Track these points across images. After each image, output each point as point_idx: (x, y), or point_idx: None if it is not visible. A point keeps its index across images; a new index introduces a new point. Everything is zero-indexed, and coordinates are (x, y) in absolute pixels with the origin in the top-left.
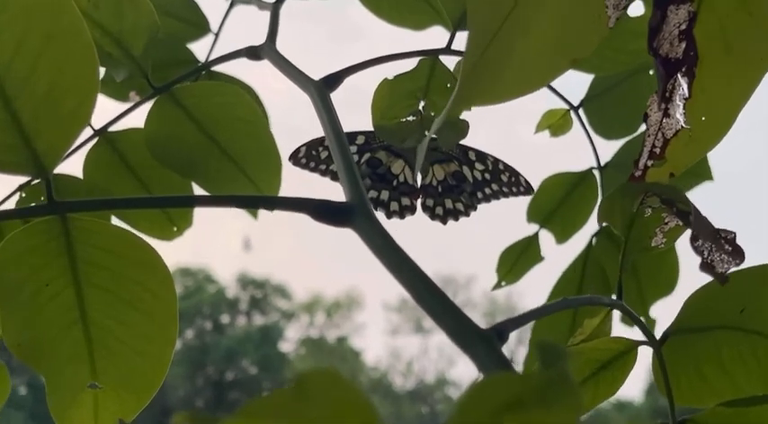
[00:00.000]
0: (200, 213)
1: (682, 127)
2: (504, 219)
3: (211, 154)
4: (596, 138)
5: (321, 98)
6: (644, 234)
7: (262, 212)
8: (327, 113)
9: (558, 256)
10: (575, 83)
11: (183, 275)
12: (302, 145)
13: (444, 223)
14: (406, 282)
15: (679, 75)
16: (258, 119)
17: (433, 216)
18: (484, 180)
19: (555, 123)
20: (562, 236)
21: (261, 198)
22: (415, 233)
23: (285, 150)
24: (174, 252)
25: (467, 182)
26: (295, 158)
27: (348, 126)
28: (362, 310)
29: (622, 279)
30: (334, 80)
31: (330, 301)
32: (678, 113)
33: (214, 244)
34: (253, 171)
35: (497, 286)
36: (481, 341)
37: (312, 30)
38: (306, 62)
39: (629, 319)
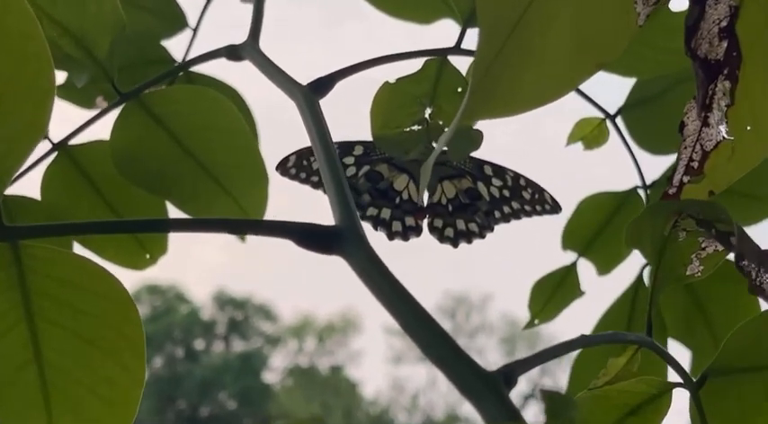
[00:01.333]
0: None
1: (723, 138)
2: (525, 230)
3: (187, 170)
4: (641, 153)
5: (309, 105)
6: (678, 262)
7: None
8: (316, 123)
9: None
10: (610, 89)
11: (151, 293)
12: (292, 154)
13: (455, 246)
14: (401, 318)
15: (720, 79)
16: (241, 129)
17: (442, 239)
18: (502, 197)
19: (589, 134)
20: (605, 267)
21: (237, 223)
22: (421, 244)
23: (276, 157)
24: None
25: (482, 200)
26: (283, 168)
27: (345, 132)
28: (360, 334)
29: (652, 313)
30: (323, 85)
31: (322, 324)
32: (719, 122)
33: (187, 257)
34: (235, 188)
35: (530, 325)
36: (485, 386)
37: (305, 15)
38: (297, 52)
39: (662, 358)
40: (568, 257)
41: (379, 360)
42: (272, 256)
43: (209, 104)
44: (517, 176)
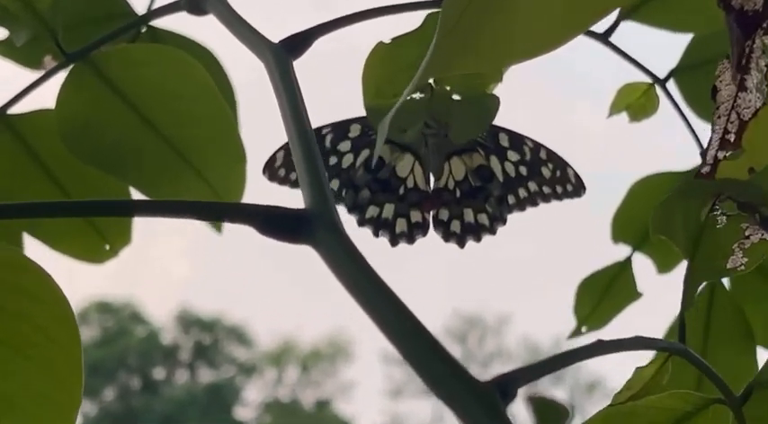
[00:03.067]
0: None
1: (764, 103)
2: (551, 237)
3: (149, 146)
4: (700, 123)
5: (279, 66)
6: (716, 253)
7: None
8: (287, 88)
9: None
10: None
11: (101, 311)
12: (279, 150)
13: (462, 244)
14: (378, 316)
15: (759, 34)
16: (214, 98)
17: (448, 236)
18: (518, 176)
19: (635, 102)
20: (666, 263)
21: (181, 205)
22: (426, 253)
23: (264, 142)
24: (87, 279)
25: (494, 181)
26: (271, 169)
27: (335, 111)
28: (352, 362)
29: (684, 316)
30: (298, 43)
31: (307, 349)
32: (759, 85)
33: (144, 268)
34: (207, 168)
35: (576, 333)
36: (478, 400)
37: None
38: (280, 18)
39: (698, 369)
40: (621, 251)
41: (374, 393)
42: (246, 267)
43: (175, 67)
44: (537, 147)
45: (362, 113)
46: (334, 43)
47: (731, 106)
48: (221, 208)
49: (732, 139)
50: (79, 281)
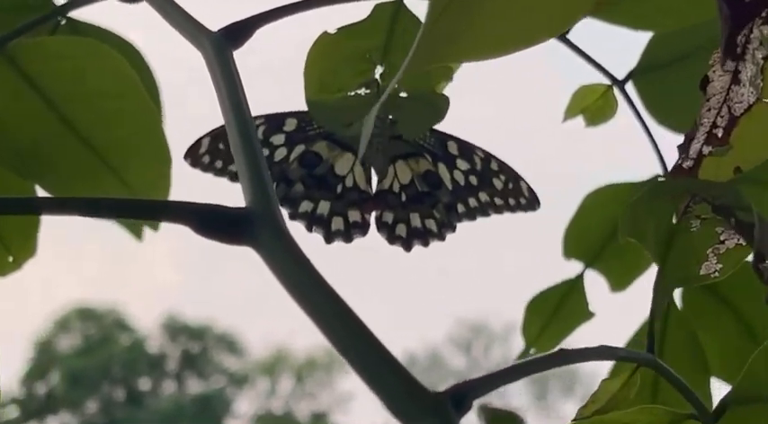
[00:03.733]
0: (108, 224)
1: (758, 99)
2: (555, 237)
3: (67, 147)
4: (660, 131)
5: (218, 56)
6: (689, 258)
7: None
8: (226, 78)
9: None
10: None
11: (83, 318)
12: (204, 136)
13: (408, 248)
14: (324, 325)
15: (756, 23)
16: (135, 93)
17: (392, 238)
18: (468, 186)
19: (591, 105)
20: (620, 280)
21: (114, 204)
22: (427, 259)
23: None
24: (67, 284)
25: (443, 188)
26: (194, 156)
27: (269, 105)
28: (350, 372)
29: (653, 325)
30: (238, 31)
31: (301, 358)
32: (753, 80)
33: (129, 273)
34: (129, 170)
35: (524, 355)
36: (430, 412)
37: None
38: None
39: (669, 382)
40: (572, 268)
41: (372, 406)
42: (237, 271)
43: (97, 61)
44: (488, 157)
45: (302, 108)
46: (277, 33)
47: (723, 99)
48: (151, 207)
49: (720, 134)
50: (59, 286)
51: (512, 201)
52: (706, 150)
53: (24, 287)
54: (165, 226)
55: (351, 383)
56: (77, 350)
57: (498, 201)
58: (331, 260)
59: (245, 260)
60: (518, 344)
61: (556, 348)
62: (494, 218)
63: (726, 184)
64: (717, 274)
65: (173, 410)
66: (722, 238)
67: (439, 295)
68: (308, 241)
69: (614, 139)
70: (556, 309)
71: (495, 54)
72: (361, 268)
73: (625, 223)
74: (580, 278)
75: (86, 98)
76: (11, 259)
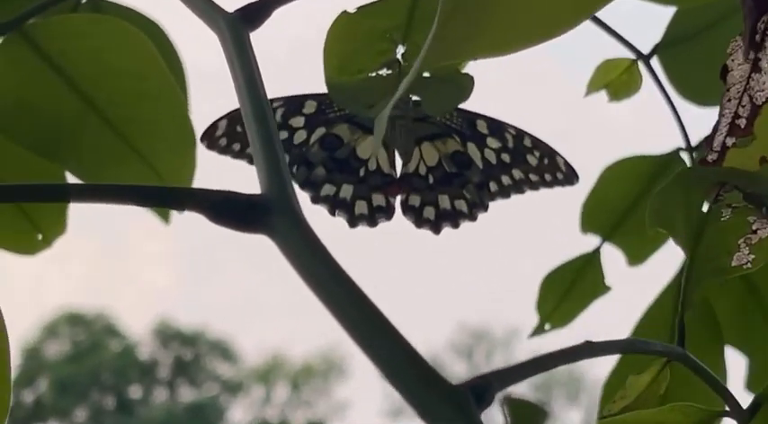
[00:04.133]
0: (98, 224)
1: None
2: (567, 238)
3: (89, 128)
4: (684, 104)
5: (234, 38)
6: (720, 249)
7: (196, 226)
8: (242, 61)
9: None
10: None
11: (72, 323)
12: (221, 118)
13: (437, 231)
14: (341, 314)
15: None
16: (160, 75)
17: (420, 222)
18: (500, 163)
19: (615, 80)
20: (637, 254)
21: (121, 189)
22: (424, 253)
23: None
24: (56, 288)
25: (473, 168)
26: (210, 138)
27: (288, 87)
28: (347, 380)
29: (684, 317)
30: (256, 12)
31: (297, 365)
32: None
33: (120, 276)
34: (153, 152)
35: (539, 330)
36: (448, 404)
37: None
38: None
39: (699, 376)
40: (590, 242)
41: (371, 414)
42: (231, 275)
43: (119, 40)
44: (521, 134)
45: (321, 90)
46: (295, 13)
47: (743, 88)
48: (167, 194)
49: (743, 125)
50: (48, 290)
51: (548, 177)
52: (729, 141)
53: (11, 291)
54: (156, 226)
55: (348, 390)
56: (66, 357)
57: (534, 177)
58: None
59: (240, 263)
60: (521, 351)
61: (582, 341)
62: (496, 217)
63: (758, 172)
64: (749, 265)
65: (164, 419)
66: (754, 227)
67: (439, 298)
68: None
69: (635, 115)
70: (572, 284)
71: (514, 48)
72: (355, 269)
73: (653, 212)
74: (597, 251)
75: (109, 79)
76: (40, 237)
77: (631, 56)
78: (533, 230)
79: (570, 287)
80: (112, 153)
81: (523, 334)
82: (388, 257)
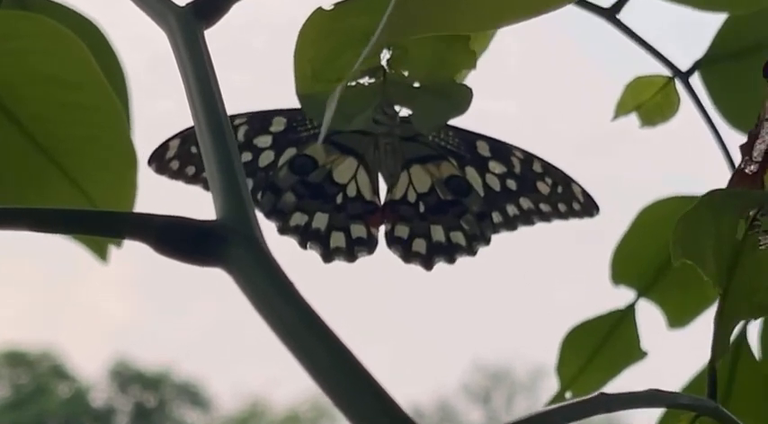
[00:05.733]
0: (43, 244)
1: None
2: (598, 262)
3: (10, 145)
4: (731, 132)
5: (186, 36)
6: (757, 282)
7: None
8: (194, 62)
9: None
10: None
11: (13, 364)
12: (173, 138)
13: (428, 267)
14: (311, 364)
15: None
16: (95, 84)
17: (408, 256)
18: (505, 190)
19: (648, 101)
20: (679, 314)
21: (36, 214)
22: (435, 287)
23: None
24: None
25: (473, 195)
26: (160, 161)
27: (249, 101)
28: None
29: (714, 367)
30: (211, 6)
31: (281, 413)
32: None
33: (69, 308)
34: (83, 173)
35: (558, 398)
36: None
37: None
38: None
39: None
40: (623, 296)
41: None
42: (202, 306)
43: (47, 43)
44: (529, 158)
45: (291, 104)
46: (259, 9)
47: None
48: (97, 219)
49: None
50: None
51: (562, 207)
52: None
53: None
54: (116, 252)
55: None
56: (5, 403)
57: (545, 208)
58: (314, 286)
59: (212, 291)
60: (547, 393)
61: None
62: (518, 239)
63: None
64: None
65: None
66: None
67: (451, 334)
68: (292, 259)
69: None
70: (600, 345)
71: (499, 23)
72: (355, 299)
73: (678, 240)
74: (631, 308)
75: (34, 87)
76: None
77: (667, 73)
78: (562, 254)
79: (598, 350)
80: (38, 177)
81: (549, 374)
82: (389, 286)
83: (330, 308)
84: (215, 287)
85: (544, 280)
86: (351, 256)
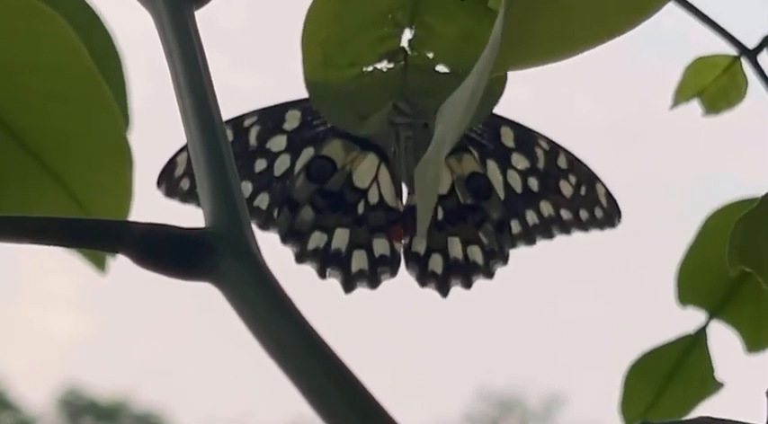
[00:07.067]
0: None
1: None
2: (620, 277)
3: None
4: None
5: (174, 18)
6: None
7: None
8: (183, 48)
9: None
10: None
11: None
12: (180, 151)
13: (444, 292)
14: (313, 391)
15: None
16: (82, 70)
17: (424, 277)
18: (527, 192)
19: (711, 84)
20: (758, 337)
21: (17, 221)
22: (434, 302)
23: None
24: None
25: (493, 199)
26: (169, 181)
27: (248, 92)
28: None
29: None
30: None
31: None
32: None
33: (12, 327)
34: (69, 170)
35: None
36: None
37: None
38: None
39: None
40: (693, 319)
41: None
42: (166, 323)
43: (26, 23)
44: (554, 149)
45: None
46: None
47: None
48: (70, 227)
49: None
50: None
51: (584, 214)
52: None
53: None
54: (61, 256)
55: None
56: None
57: (566, 214)
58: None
59: (178, 305)
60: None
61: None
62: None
63: None
64: None
65: None
66: None
67: (453, 356)
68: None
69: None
70: (669, 377)
71: (598, 41)
72: (349, 319)
73: (735, 247)
74: (702, 332)
75: (11, 73)
76: None
77: (732, 52)
78: (579, 265)
79: (667, 383)
80: (18, 174)
81: (566, 402)
82: (385, 302)
83: (319, 327)
84: (181, 302)
85: (560, 294)
86: (374, 280)
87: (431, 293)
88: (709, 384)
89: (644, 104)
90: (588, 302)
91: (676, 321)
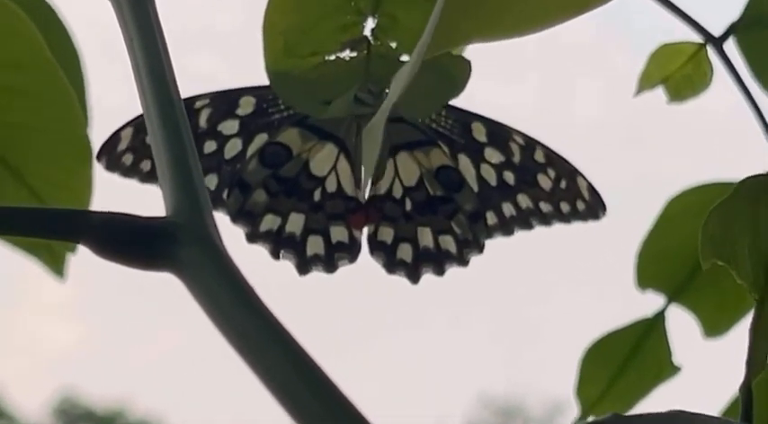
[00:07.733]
0: None
1: None
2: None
3: None
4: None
5: (134, 4)
6: None
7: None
8: (141, 29)
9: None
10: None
11: None
12: (125, 126)
13: (415, 279)
14: (282, 390)
15: None
16: (38, 61)
17: (392, 265)
18: (502, 185)
19: (677, 72)
20: (716, 321)
21: None
22: (433, 301)
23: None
24: None
25: (465, 190)
26: (110, 155)
27: (210, 80)
28: None
29: (750, 386)
30: None
31: None
32: None
33: (6, 333)
34: (31, 169)
35: (581, 422)
36: None
37: None
38: None
39: None
40: (651, 303)
41: None
42: (163, 330)
43: None
44: (531, 144)
45: (260, 82)
46: None
47: None
48: (29, 216)
49: None
50: None
51: (565, 207)
52: None
53: None
54: None
55: None
56: None
57: (545, 207)
58: (292, 300)
59: (174, 313)
60: None
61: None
62: (531, 246)
63: None
64: None
65: None
66: None
67: (452, 360)
68: (259, 265)
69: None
70: (626, 361)
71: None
72: (340, 316)
73: (708, 239)
74: (661, 316)
75: None
76: None
77: (698, 39)
78: (584, 266)
79: (623, 366)
80: None
81: (569, 408)
82: (380, 300)
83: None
84: (178, 310)
85: (559, 293)
86: (330, 265)
87: (434, 300)
88: (666, 369)
89: (644, 104)
90: (592, 306)
91: (679, 325)
